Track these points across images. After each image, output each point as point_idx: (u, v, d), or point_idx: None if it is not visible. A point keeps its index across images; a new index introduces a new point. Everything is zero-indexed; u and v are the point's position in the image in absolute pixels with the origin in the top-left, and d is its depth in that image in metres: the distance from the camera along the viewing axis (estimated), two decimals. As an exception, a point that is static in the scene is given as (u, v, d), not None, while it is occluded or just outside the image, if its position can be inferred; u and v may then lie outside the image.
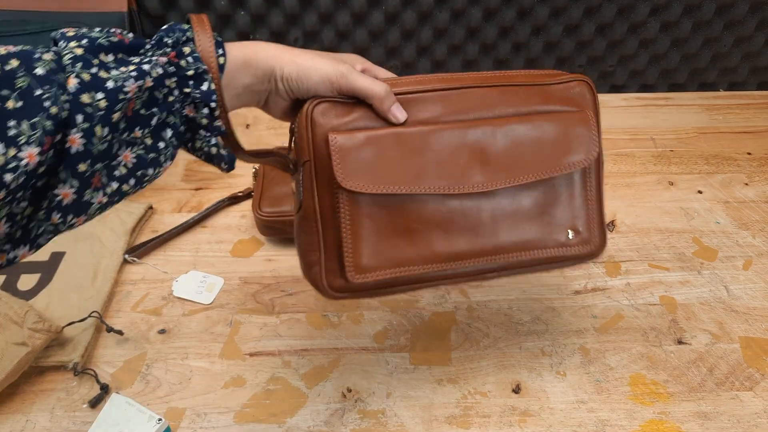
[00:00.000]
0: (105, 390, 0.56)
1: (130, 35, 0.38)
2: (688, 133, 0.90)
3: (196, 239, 0.72)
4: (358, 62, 0.48)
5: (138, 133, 0.37)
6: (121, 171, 0.37)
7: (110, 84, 0.34)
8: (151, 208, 0.75)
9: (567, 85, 0.49)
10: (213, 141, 0.42)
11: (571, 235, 0.49)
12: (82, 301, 0.62)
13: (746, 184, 0.81)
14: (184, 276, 0.67)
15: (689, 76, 0.98)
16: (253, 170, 0.77)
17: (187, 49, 0.38)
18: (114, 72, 0.35)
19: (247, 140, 0.87)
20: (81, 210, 0.36)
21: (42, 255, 0.67)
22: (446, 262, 0.46)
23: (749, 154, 0.86)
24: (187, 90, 0.39)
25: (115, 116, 0.35)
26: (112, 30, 0.37)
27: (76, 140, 0.33)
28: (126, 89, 0.35)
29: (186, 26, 0.40)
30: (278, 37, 0.90)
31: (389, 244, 0.46)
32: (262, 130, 0.89)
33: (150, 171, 0.39)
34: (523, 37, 0.92)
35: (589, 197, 0.50)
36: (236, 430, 0.53)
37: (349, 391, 0.57)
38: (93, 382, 0.57)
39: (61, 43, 0.35)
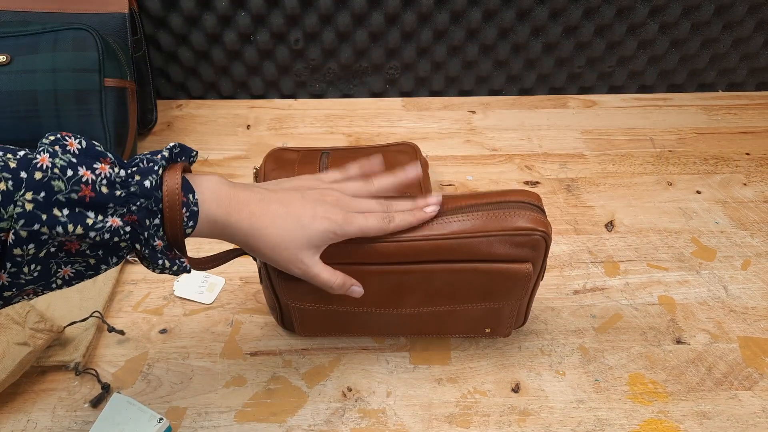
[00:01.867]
0: (106, 389, 0.56)
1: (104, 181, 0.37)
2: (687, 133, 0.90)
3: (198, 239, 0.73)
4: (329, 240, 0.46)
5: (80, 260, 0.38)
6: (57, 283, 0.39)
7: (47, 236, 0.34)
8: (151, 208, 0.75)
9: (523, 231, 0.48)
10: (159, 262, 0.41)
11: (487, 328, 0.57)
12: (83, 301, 0.63)
13: (745, 184, 0.81)
14: (186, 276, 0.67)
15: (688, 77, 0.99)
16: (254, 170, 0.77)
17: (149, 221, 0.38)
18: (58, 228, 0.34)
19: (248, 140, 0.88)
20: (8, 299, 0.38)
21: (43, 255, 0.68)
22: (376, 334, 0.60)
23: (748, 154, 0.86)
24: (138, 247, 0.39)
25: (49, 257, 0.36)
26: (82, 179, 0.36)
27: (2, 277, 0.35)
28: (66, 247, 0.36)
29: (160, 170, 0.39)
30: (278, 37, 0.91)
31: (325, 327, 0.58)
32: (263, 131, 0.90)
33: (89, 278, 0.40)
34: (523, 38, 0.92)
35: (510, 315, 0.55)
36: (237, 430, 0.54)
37: (350, 390, 0.57)
38: (94, 382, 0.57)
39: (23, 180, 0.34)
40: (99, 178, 0.36)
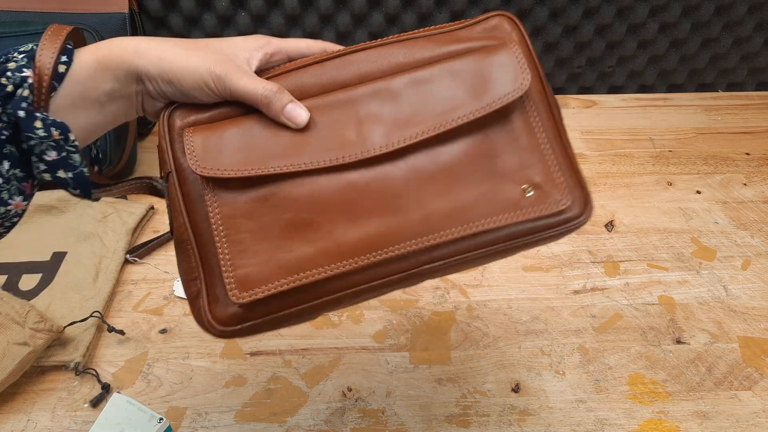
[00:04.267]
0: (106, 389, 0.56)
1: None
2: (687, 133, 0.90)
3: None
4: (259, 48, 0.39)
5: None
6: None
7: None
8: (152, 208, 0.75)
9: (477, 25, 0.41)
10: (41, 166, 0.35)
11: (527, 189, 0.37)
12: (83, 301, 0.63)
13: (745, 184, 0.81)
14: (185, 276, 0.67)
15: (688, 77, 0.99)
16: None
17: (12, 65, 0.33)
18: None
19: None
20: None
21: (43, 255, 0.68)
22: (360, 254, 0.36)
23: (748, 154, 0.86)
24: (10, 110, 0.33)
25: None
26: None
27: None
28: None
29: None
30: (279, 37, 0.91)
31: (278, 246, 0.35)
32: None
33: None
34: (523, 38, 0.92)
35: (542, 140, 0.38)
36: (237, 430, 0.53)
37: (350, 390, 0.57)
38: (94, 382, 0.57)
39: None
40: None
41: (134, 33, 0.81)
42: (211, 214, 0.36)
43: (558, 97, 0.98)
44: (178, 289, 0.66)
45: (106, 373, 0.58)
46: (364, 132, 0.37)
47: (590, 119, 0.93)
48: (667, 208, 0.78)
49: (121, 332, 0.60)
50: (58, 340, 0.58)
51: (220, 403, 0.56)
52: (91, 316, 0.60)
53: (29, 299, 0.61)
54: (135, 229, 0.72)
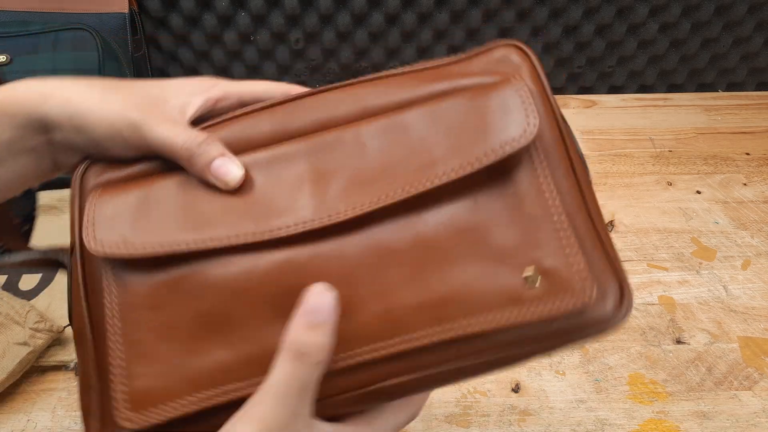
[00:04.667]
0: (106, 389, 0.56)
1: None
2: (687, 133, 0.90)
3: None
4: (200, 92, 0.32)
5: None
6: None
7: None
8: (151, 208, 0.75)
9: (476, 58, 0.33)
10: None
11: (533, 277, 0.26)
12: (83, 301, 0.63)
13: (745, 184, 0.81)
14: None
15: (688, 77, 0.99)
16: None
17: None
18: None
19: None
20: None
21: (43, 255, 0.68)
22: None
23: (748, 154, 0.86)
24: None
25: None
26: None
27: None
28: None
29: None
30: (278, 37, 0.91)
31: (188, 349, 0.26)
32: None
33: None
34: (523, 38, 0.92)
35: (555, 208, 0.27)
36: (237, 430, 0.53)
37: (350, 390, 0.57)
38: (94, 382, 0.57)
39: None
40: None
41: (134, 33, 0.81)
42: (107, 304, 0.27)
43: (558, 97, 0.97)
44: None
45: (106, 373, 0.58)
46: (313, 194, 0.27)
47: (590, 119, 0.93)
48: (667, 208, 0.78)
49: (121, 332, 0.60)
50: (58, 340, 0.58)
51: (220, 403, 0.56)
52: (91, 316, 0.60)
53: (29, 299, 0.61)
54: (135, 229, 0.72)
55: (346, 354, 0.26)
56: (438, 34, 0.92)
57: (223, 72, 0.94)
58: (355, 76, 0.32)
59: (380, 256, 0.27)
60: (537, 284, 0.25)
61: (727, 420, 0.54)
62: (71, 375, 0.57)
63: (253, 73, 0.94)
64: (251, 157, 0.29)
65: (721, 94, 1.00)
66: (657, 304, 0.65)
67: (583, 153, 0.30)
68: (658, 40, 0.94)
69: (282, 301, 0.26)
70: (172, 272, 0.27)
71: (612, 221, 0.75)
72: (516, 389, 0.57)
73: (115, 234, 0.27)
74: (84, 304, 0.29)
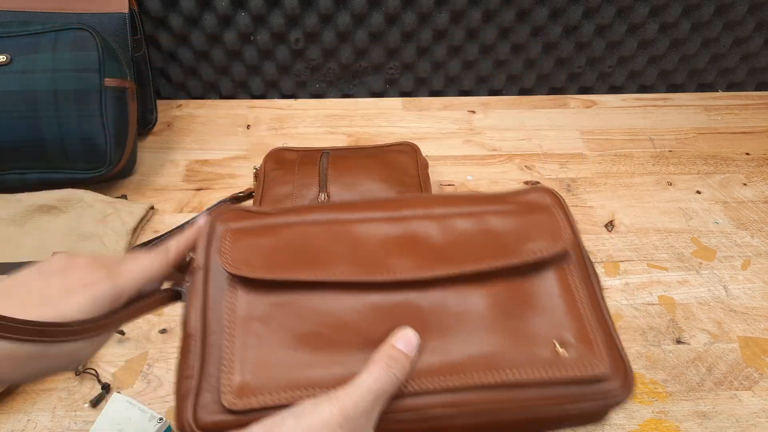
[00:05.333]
0: (106, 390, 0.56)
1: None
2: (687, 133, 0.90)
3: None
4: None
5: None
6: None
7: None
8: (152, 208, 0.75)
9: (515, 196, 0.41)
10: None
11: (559, 349, 0.34)
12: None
13: (745, 184, 0.81)
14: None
15: (688, 77, 0.99)
16: (254, 170, 0.77)
17: None
18: None
19: (248, 140, 0.88)
20: None
21: (44, 255, 0.68)
22: None
23: (748, 154, 0.86)
24: None
25: None
26: None
27: None
28: None
29: None
30: (278, 37, 0.91)
31: (286, 356, 0.33)
32: (263, 131, 0.90)
33: None
34: (523, 38, 0.92)
35: (579, 301, 0.36)
36: (237, 430, 0.53)
37: (350, 390, 0.57)
38: (94, 382, 0.57)
39: None
40: None
41: (134, 33, 0.81)
42: (227, 311, 0.35)
43: (558, 97, 0.98)
44: (178, 289, 0.66)
45: (106, 373, 0.58)
46: (405, 253, 0.36)
47: (590, 119, 0.93)
48: (667, 208, 0.78)
49: (121, 332, 0.60)
50: (58, 340, 0.58)
51: (220, 403, 0.56)
52: (91, 316, 0.60)
53: (29, 299, 0.61)
54: (135, 230, 0.72)
55: (413, 380, 0.33)
56: (438, 34, 0.92)
57: (223, 72, 0.94)
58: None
59: (443, 312, 0.35)
60: (563, 352, 0.34)
61: (727, 420, 0.54)
62: (71, 375, 0.57)
63: (253, 73, 0.94)
64: (356, 215, 0.38)
65: (721, 94, 1.00)
66: (657, 304, 0.65)
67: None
68: (658, 40, 0.94)
69: (371, 334, 0.34)
70: (284, 296, 0.35)
71: (612, 221, 0.75)
72: (516, 389, 0.57)
73: (246, 259, 0.36)
74: (201, 311, 0.36)
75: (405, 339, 0.33)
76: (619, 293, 0.66)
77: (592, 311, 0.36)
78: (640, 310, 0.64)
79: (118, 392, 0.56)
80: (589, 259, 0.39)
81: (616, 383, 0.34)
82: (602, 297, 0.38)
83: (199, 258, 0.38)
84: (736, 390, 0.57)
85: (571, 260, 0.38)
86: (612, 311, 0.64)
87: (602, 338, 0.35)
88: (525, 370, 0.33)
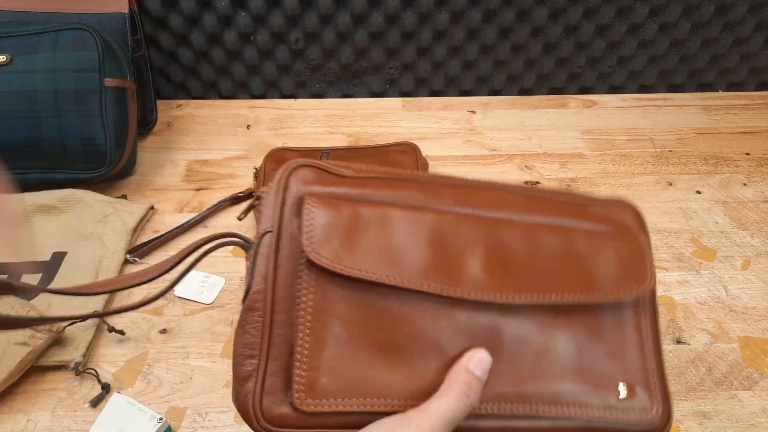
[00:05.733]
0: (106, 389, 0.56)
1: None
2: (687, 133, 0.90)
3: (198, 239, 0.73)
4: None
5: None
6: None
7: None
8: (152, 208, 0.75)
9: (606, 206, 0.39)
10: None
11: (623, 392, 0.35)
12: (83, 301, 0.63)
13: (745, 184, 0.81)
14: (186, 275, 0.67)
15: (688, 77, 0.99)
16: (254, 170, 0.78)
17: None
18: None
19: (248, 140, 0.88)
20: None
21: (44, 255, 0.68)
22: None
23: (748, 154, 0.86)
24: None
25: None
26: None
27: None
28: None
29: None
30: (278, 37, 0.91)
31: (361, 361, 0.32)
32: (263, 131, 0.90)
33: None
34: (523, 38, 0.92)
35: (645, 344, 0.37)
36: (237, 430, 0.53)
37: (350, 390, 0.57)
38: (94, 382, 0.57)
39: None
40: None
41: (134, 33, 0.81)
42: (304, 299, 0.32)
43: (558, 97, 0.98)
44: (178, 289, 0.66)
45: (106, 373, 0.58)
46: (488, 269, 0.33)
47: (590, 119, 0.93)
48: (667, 208, 0.78)
49: (121, 332, 0.60)
50: (58, 340, 0.58)
51: (220, 403, 0.56)
52: (91, 316, 0.60)
53: (29, 299, 0.61)
54: (135, 229, 0.72)
55: (482, 403, 0.33)
56: (438, 34, 0.92)
57: (223, 72, 0.94)
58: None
59: (527, 344, 0.34)
60: (624, 397, 0.34)
61: (727, 420, 0.54)
62: (71, 375, 0.57)
63: (253, 72, 0.94)
64: (444, 204, 0.35)
65: (721, 94, 1.00)
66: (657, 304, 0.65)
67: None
68: (658, 40, 0.94)
69: (448, 349, 0.33)
70: (367, 294, 0.32)
71: (612, 221, 0.75)
72: (516, 389, 0.57)
73: (330, 247, 0.32)
74: (271, 285, 0.32)
75: (480, 362, 0.32)
76: (619, 293, 0.66)
77: (655, 356, 0.37)
78: (640, 310, 0.64)
79: (118, 392, 0.56)
80: (656, 300, 0.39)
81: (659, 423, 0.35)
82: (660, 336, 0.38)
83: (268, 218, 0.33)
84: (736, 390, 0.57)
85: (647, 305, 0.38)
86: (612, 311, 0.64)
87: (660, 386, 0.36)
88: (589, 410, 0.34)
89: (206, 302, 0.65)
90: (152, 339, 0.61)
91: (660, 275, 0.68)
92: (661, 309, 0.65)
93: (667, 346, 0.61)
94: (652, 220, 0.76)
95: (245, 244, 0.34)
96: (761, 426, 0.54)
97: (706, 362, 0.59)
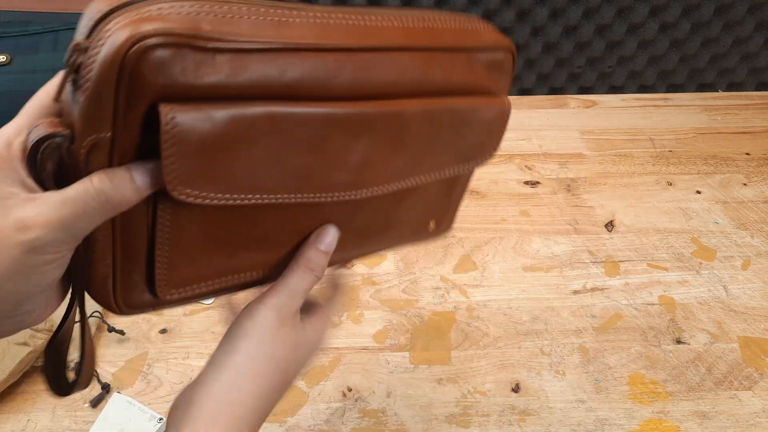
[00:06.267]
0: (106, 389, 0.56)
1: None
2: (687, 133, 0.90)
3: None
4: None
5: None
6: None
7: None
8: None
9: (485, 52, 0.37)
10: None
11: (432, 226, 0.43)
12: (83, 301, 0.63)
13: (745, 184, 0.81)
14: (185, 276, 0.67)
15: (688, 77, 0.99)
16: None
17: None
18: None
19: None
20: None
21: (43, 255, 0.68)
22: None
23: (748, 154, 0.86)
24: None
25: None
26: None
27: None
28: None
29: None
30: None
31: (222, 255, 0.32)
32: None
33: None
34: (523, 38, 0.92)
35: (460, 195, 0.43)
36: (237, 430, 0.54)
37: (350, 390, 0.57)
38: (94, 382, 0.57)
39: None
40: None
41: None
42: (160, 211, 0.28)
43: (558, 97, 0.98)
44: (178, 289, 0.66)
45: (106, 373, 0.58)
46: (363, 166, 0.33)
47: (590, 119, 0.93)
48: (667, 208, 0.78)
49: (121, 332, 0.60)
50: (58, 340, 0.58)
51: (220, 403, 0.56)
52: (91, 315, 0.60)
53: (29, 299, 0.61)
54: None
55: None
56: (438, 34, 0.92)
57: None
58: None
59: (373, 217, 0.37)
60: (432, 229, 0.43)
61: (727, 420, 0.54)
62: (71, 375, 0.57)
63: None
64: (340, 109, 0.30)
65: (721, 94, 1.00)
66: (657, 304, 0.65)
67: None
68: (658, 40, 0.94)
69: (304, 231, 0.35)
70: (227, 207, 0.30)
71: (612, 221, 0.75)
72: (516, 389, 0.57)
73: (197, 182, 0.27)
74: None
75: (326, 237, 0.35)
76: (619, 293, 0.66)
77: (455, 201, 0.44)
78: (640, 310, 0.64)
79: (118, 392, 0.56)
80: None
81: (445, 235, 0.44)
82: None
83: (107, 119, 0.24)
84: (736, 390, 0.57)
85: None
86: (612, 311, 0.64)
87: (449, 217, 0.44)
88: (408, 242, 0.42)
89: (206, 302, 0.65)
90: (152, 339, 0.61)
91: (660, 275, 0.68)
92: (661, 309, 0.65)
93: (668, 346, 0.61)
94: (652, 220, 0.76)
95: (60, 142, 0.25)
96: (761, 426, 0.54)
97: (706, 362, 0.59)
